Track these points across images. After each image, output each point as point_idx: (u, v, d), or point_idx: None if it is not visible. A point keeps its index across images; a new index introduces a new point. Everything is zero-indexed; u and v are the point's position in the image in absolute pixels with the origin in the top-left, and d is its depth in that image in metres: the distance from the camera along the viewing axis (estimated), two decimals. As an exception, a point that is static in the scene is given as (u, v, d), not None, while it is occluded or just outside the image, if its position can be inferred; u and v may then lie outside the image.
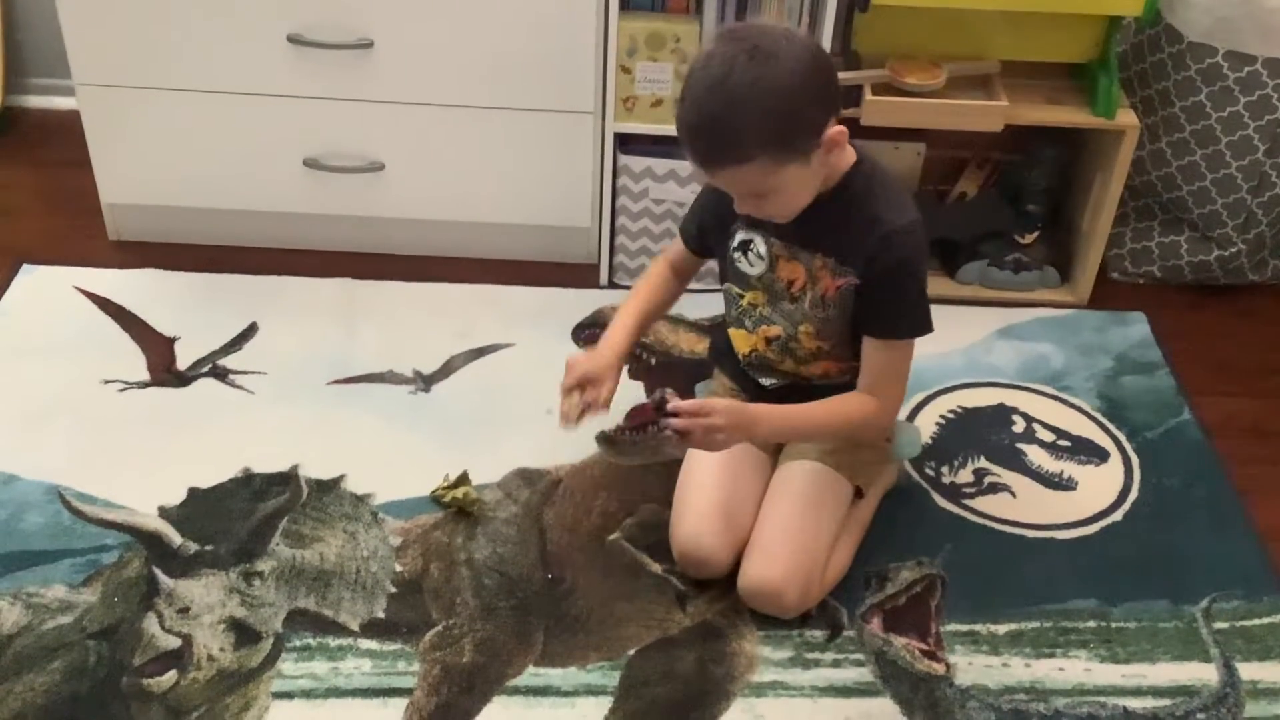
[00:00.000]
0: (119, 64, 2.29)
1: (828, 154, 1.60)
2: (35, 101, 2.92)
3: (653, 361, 2.26)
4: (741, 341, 1.89)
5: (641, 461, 1.93)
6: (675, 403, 1.65)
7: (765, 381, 1.89)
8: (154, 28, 2.24)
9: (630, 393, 2.18)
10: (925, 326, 1.74)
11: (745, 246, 1.79)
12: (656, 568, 1.83)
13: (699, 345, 2.25)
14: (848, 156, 1.69)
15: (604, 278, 2.48)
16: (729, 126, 1.53)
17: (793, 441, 1.82)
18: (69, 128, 2.59)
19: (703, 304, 2.24)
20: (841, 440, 1.85)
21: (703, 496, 1.81)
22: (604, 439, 2.06)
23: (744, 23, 1.64)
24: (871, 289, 1.69)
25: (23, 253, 2.44)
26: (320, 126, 2.35)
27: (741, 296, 1.84)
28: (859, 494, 1.88)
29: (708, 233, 1.84)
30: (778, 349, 1.83)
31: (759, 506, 1.85)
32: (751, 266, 1.80)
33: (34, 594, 1.75)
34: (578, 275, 2.50)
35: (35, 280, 2.38)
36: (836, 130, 1.59)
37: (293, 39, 2.23)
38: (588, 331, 2.30)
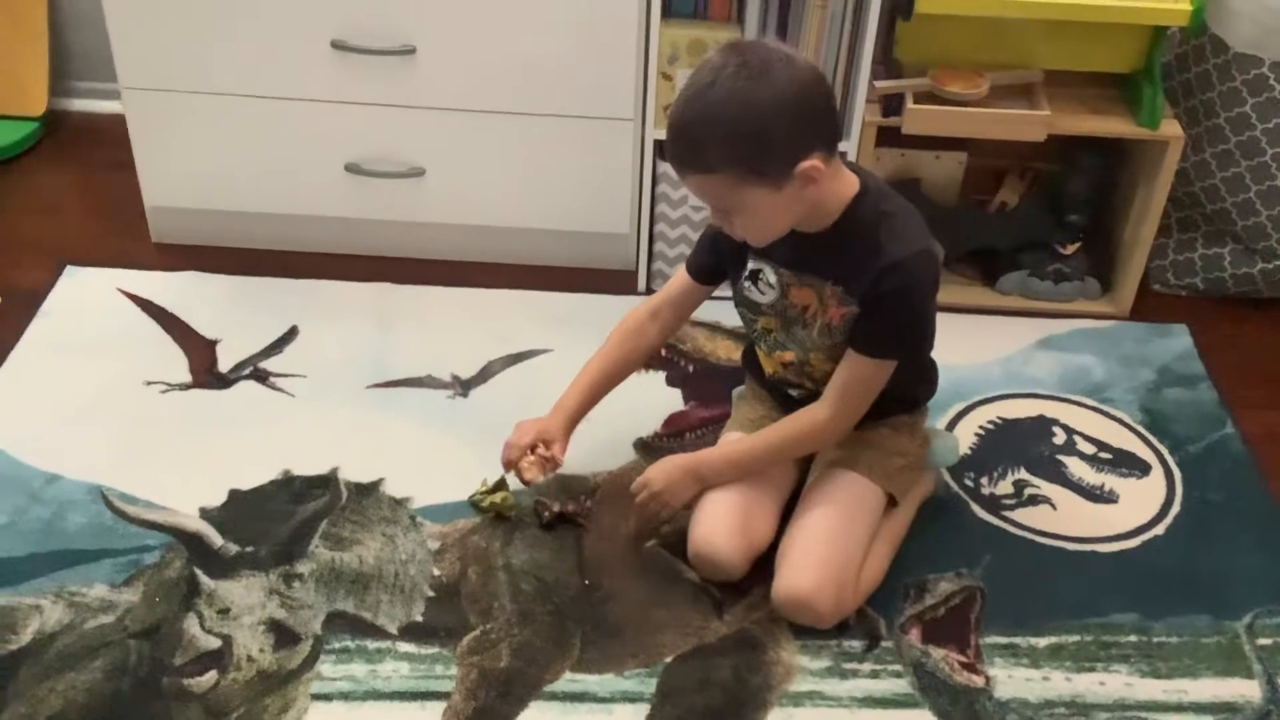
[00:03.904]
0: (164, 68, 2.31)
1: (804, 188, 1.58)
2: (79, 105, 2.95)
3: (690, 369, 2.26)
4: (763, 361, 1.91)
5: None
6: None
7: (792, 392, 1.89)
8: (199, 33, 2.26)
9: (667, 400, 2.18)
10: (901, 353, 1.74)
11: (755, 276, 1.79)
12: (694, 575, 1.83)
13: (735, 352, 2.24)
14: (848, 187, 1.68)
15: (642, 284, 2.48)
16: (698, 135, 1.55)
17: (746, 473, 1.82)
18: (112, 131, 2.63)
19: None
20: (867, 446, 1.85)
21: (721, 499, 1.81)
22: (641, 445, 2.08)
23: (754, 39, 1.63)
24: (866, 309, 1.70)
25: (67, 254, 2.47)
26: (362, 132, 2.36)
27: (755, 321, 1.85)
28: (893, 502, 1.87)
29: (725, 260, 1.83)
30: (795, 372, 1.84)
31: (778, 513, 1.85)
32: (762, 295, 1.80)
33: (76, 593, 1.77)
34: (616, 281, 2.50)
35: (79, 282, 2.40)
36: (810, 165, 1.56)
37: (336, 45, 2.25)
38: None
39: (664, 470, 1.82)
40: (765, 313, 1.81)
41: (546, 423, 1.88)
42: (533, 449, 1.85)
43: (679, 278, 1.92)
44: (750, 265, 1.79)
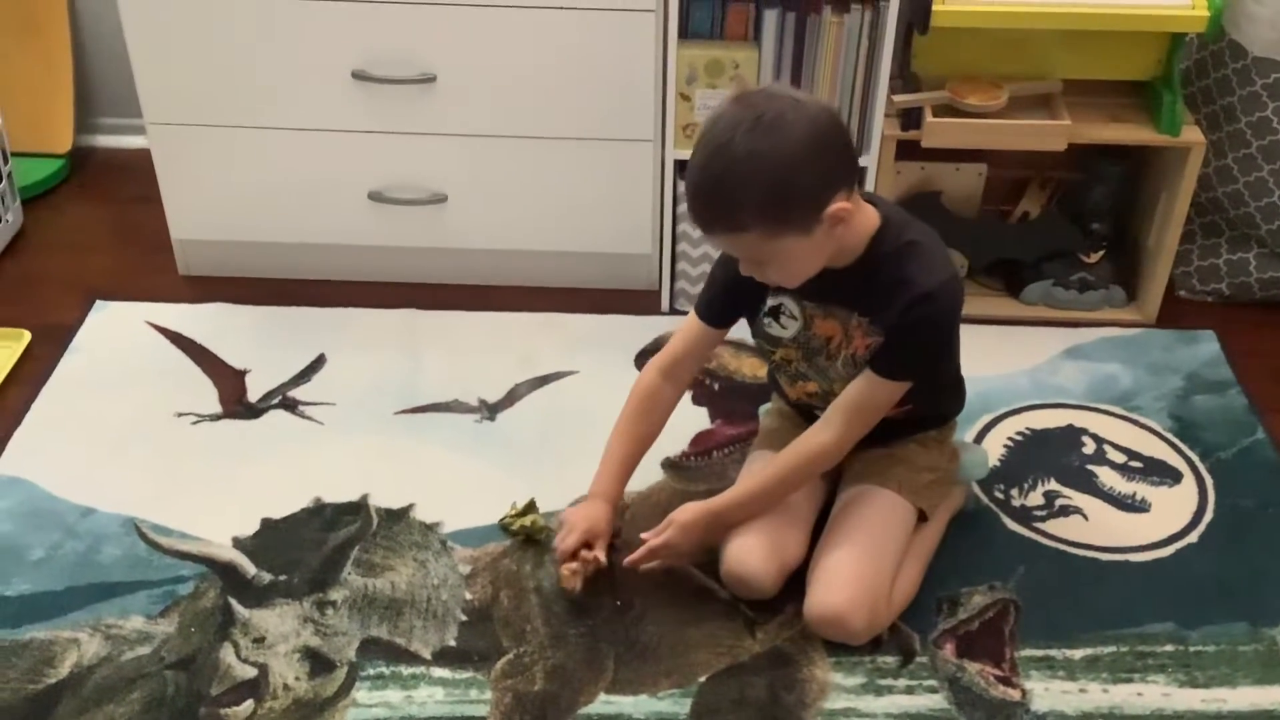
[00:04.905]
0: (188, 103, 2.34)
1: (832, 228, 1.58)
2: (104, 141, 2.99)
3: (716, 387, 2.26)
4: (786, 388, 1.90)
5: (706, 486, 1.95)
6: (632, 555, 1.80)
7: (818, 412, 1.88)
8: (222, 67, 2.29)
9: (693, 418, 2.18)
10: (920, 376, 1.73)
11: (776, 311, 1.78)
12: (725, 593, 1.82)
13: (761, 370, 2.24)
14: (868, 221, 1.67)
15: (665, 304, 2.49)
16: (724, 196, 1.54)
17: (762, 509, 1.80)
18: (138, 166, 2.66)
19: (766, 329, 2.24)
20: (896, 462, 1.85)
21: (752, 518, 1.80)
22: (669, 465, 2.08)
23: (760, 88, 1.62)
24: (892, 335, 1.69)
25: (95, 289, 2.49)
26: (384, 160, 2.38)
27: (773, 353, 1.84)
28: (923, 517, 1.86)
29: (743, 299, 1.80)
30: (820, 400, 1.83)
31: (809, 529, 1.84)
32: (784, 329, 1.79)
33: (112, 625, 1.78)
34: (639, 302, 2.51)
35: (108, 316, 2.43)
36: (839, 207, 1.55)
37: (357, 75, 2.27)
38: (650, 358, 2.30)
39: (689, 527, 1.78)
40: (786, 345, 1.81)
41: (593, 514, 1.80)
42: (575, 553, 1.79)
43: (690, 325, 1.86)
44: (770, 301, 1.78)
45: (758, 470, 1.85)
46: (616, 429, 1.88)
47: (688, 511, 1.79)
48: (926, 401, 1.81)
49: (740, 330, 1.97)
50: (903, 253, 1.67)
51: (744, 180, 1.51)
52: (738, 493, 1.82)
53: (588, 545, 1.79)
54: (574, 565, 1.78)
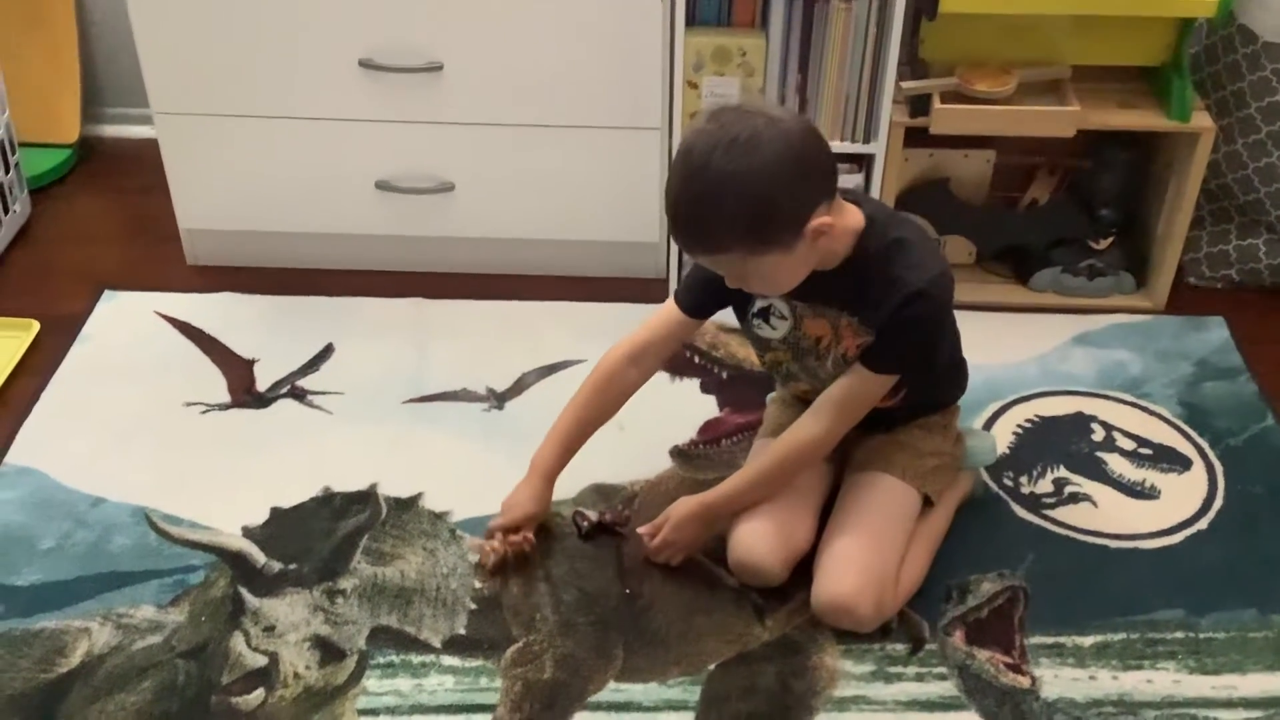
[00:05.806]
0: (195, 92, 2.34)
1: (814, 241, 1.57)
2: (111, 131, 2.99)
3: (724, 375, 2.26)
4: (780, 386, 1.91)
5: (715, 475, 1.95)
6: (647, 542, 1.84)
7: None
8: (229, 56, 2.29)
9: (702, 407, 2.18)
10: (910, 370, 1.73)
11: (766, 312, 1.78)
12: (733, 581, 1.83)
13: (769, 358, 2.24)
14: (852, 224, 1.65)
15: (672, 292, 2.48)
16: (702, 219, 1.53)
17: (755, 501, 1.80)
18: (145, 156, 2.66)
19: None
20: (900, 448, 1.85)
21: (758, 507, 1.80)
22: (677, 453, 2.08)
23: (736, 105, 1.61)
24: (883, 333, 1.68)
25: (103, 279, 2.50)
26: (391, 149, 2.38)
27: (763, 355, 1.84)
28: (929, 503, 1.86)
29: (726, 294, 1.76)
30: (814, 396, 1.82)
31: (816, 516, 1.84)
32: (774, 330, 1.79)
33: (123, 614, 1.79)
34: (647, 290, 2.50)
35: (116, 306, 2.43)
36: (820, 222, 1.55)
37: (364, 64, 2.27)
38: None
39: (681, 530, 1.80)
40: (775, 348, 1.81)
41: (523, 501, 1.85)
42: (505, 532, 1.84)
43: (667, 312, 1.85)
44: (760, 302, 1.77)
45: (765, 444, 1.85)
46: (569, 405, 1.88)
47: (682, 506, 1.81)
48: (924, 390, 1.81)
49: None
50: (890, 251, 1.65)
51: (723, 203, 1.51)
52: (731, 485, 1.82)
53: (515, 530, 1.83)
54: (496, 545, 1.83)
